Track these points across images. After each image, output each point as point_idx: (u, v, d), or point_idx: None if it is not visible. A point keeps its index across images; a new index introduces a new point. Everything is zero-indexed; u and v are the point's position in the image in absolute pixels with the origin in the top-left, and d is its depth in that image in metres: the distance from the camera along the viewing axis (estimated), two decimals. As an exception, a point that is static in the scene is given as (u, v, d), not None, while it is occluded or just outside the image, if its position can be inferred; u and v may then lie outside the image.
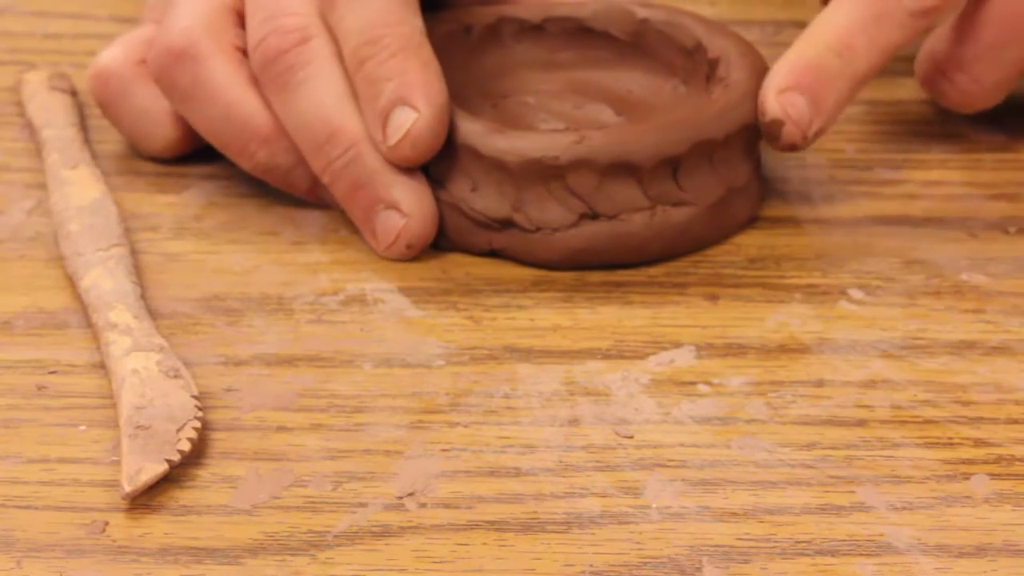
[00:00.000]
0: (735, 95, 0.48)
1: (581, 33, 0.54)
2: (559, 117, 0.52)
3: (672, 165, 0.47)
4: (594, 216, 0.47)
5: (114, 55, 0.52)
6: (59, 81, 0.56)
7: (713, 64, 0.50)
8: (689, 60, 0.51)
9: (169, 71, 0.49)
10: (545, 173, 0.47)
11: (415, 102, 0.46)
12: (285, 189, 0.50)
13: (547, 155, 0.46)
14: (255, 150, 0.49)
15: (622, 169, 0.47)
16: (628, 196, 0.47)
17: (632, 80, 0.53)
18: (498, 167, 0.47)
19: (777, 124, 0.48)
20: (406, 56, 0.47)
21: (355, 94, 0.48)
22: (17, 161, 0.53)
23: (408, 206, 0.47)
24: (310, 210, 0.50)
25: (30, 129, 0.54)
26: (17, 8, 0.64)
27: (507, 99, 0.53)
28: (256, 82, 0.49)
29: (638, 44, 0.53)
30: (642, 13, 0.53)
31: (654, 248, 0.48)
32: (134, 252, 0.48)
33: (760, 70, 0.49)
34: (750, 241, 0.50)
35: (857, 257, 0.49)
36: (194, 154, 0.53)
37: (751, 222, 0.50)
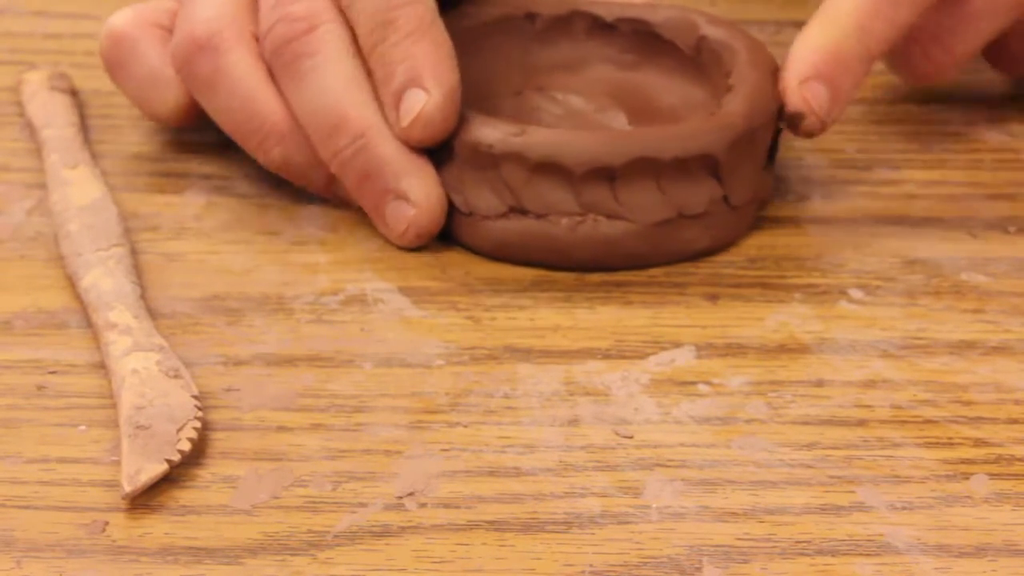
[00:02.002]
0: (709, 124, 0.47)
1: (651, 38, 0.53)
2: (570, 116, 0.52)
3: (608, 176, 0.47)
4: (523, 211, 0.47)
5: (125, 16, 0.51)
6: (59, 81, 0.56)
7: (728, 90, 0.49)
8: (724, 82, 0.51)
9: (190, 61, 0.49)
10: (481, 160, 0.47)
11: (425, 84, 0.47)
12: (302, 185, 0.50)
13: (483, 143, 0.47)
14: (271, 146, 0.49)
15: (552, 169, 0.46)
16: (558, 198, 0.47)
17: (680, 93, 0.53)
18: (447, 148, 0.47)
19: (799, 116, 0.49)
20: (418, 37, 0.47)
21: (369, 78, 0.47)
22: (17, 161, 0.53)
23: (416, 196, 0.47)
24: (310, 210, 0.50)
25: (30, 129, 0.54)
26: (17, 8, 0.64)
27: (540, 91, 0.53)
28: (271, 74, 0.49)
29: (697, 59, 0.52)
30: (704, 30, 0.52)
31: (581, 256, 0.47)
32: (134, 252, 0.48)
33: (759, 112, 0.48)
34: (750, 241, 0.50)
35: (857, 257, 0.49)
36: (194, 155, 0.53)
37: (713, 251, 0.49)
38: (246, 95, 0.48)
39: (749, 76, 0.49)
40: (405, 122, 0.47)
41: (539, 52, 0.54)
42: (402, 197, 0.47)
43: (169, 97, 0.51)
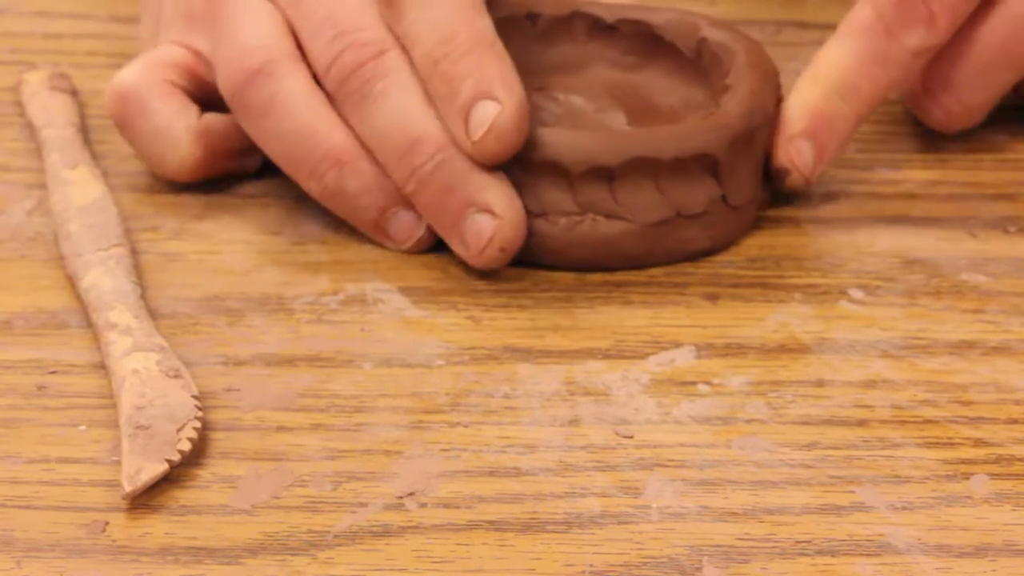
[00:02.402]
0: (707, 123, 0.47)
1: (652, 40, 0.53)
2: (571, 116, 0.52)
3: (606, 176, 0.47)
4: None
5: (132, 72, 0.50)
6: (59, 81, 0.56)
7: (725, 90, 0.49)
8: (722, 83, 0.51)
9: (244, 89, 0.48)
10: None
11: (496, 95, 0.45)
12: (348, 218, 0.49)
13: None
14: (325, 171, 0.48)
15: (550, 169, 0.47)
16: (556, 198, 0.47)
17: (680, 94, 0.52)
18: None
19: (783, 172, 0.50)
20: (481, 52, 0.46)
21: (432, 98, 0.47)
22: (17, 161, 0.53)
23: (500, 208, 0.46)
24: (310, 210, 0.50)
25: (30, 129, 0.54)
26: (17, 8, 0.64)
27: (541, 91, 0.53)
28: (331, 102, 0.48)
29: (698, 61, 0.52)
30: (704, 32, 0.52)
31: (579, 255, 0.47)
32: (134, 252, 0.48)
33: (757, 112, 0.48)
34: (750, 241, 0.50)
35: (857, 257, 0.49)
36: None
37: (712, 252, 0.49)
38: (303, 120, 0.48)
39: (746, 77, 0.49)
40: (477, 135, 0.45)
41: (540, 52, 0.54)
42: (484, 209, 0.46)
43: (177, 154, 0.50)
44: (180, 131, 0.50)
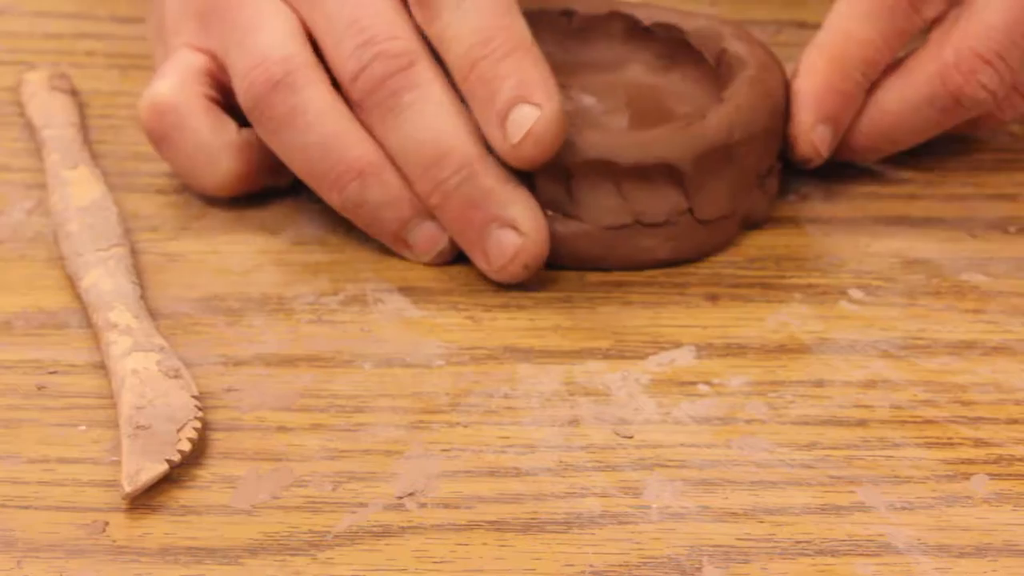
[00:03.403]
0: (676, 134, 0.47)
1: (682, 46, 0.53)
2: (575, 115, 0.52)
3: (564, 174, 0.47)
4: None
5: (167, 86, 0.49)
6: (59, 81, 0.56)
7: (720, 103, 0.49)
8: (722, 95, 0.50)
9: (265, 100, 0.47)
10: None
11: (536, 99, 0.45)
12: (369, 231, 0.48)
13: None
14: (347, 182, 0.47)
15: None
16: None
17: (697, 103, 0.52)
18: None
19: (807, 160, 0.50)
20: (520, 56, 0.46)
21: (467, 100, 0.46)
22: (17, 161, 0.53)
23: (525, 225, 0.46)
24: (310, 210, 0.50)
25: (30, 129, 0.54)
26: (17, 8, 0.64)
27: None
28: (353, 110, 0.47)
29: (717, 71, 0.52)
30: (727, 42, 0.51)
31: None
32: (134, 252, 0.48)
33: (737, 128, 0.48)
34: (750, 241, 0.50)
35: (857, 257, 0.49)
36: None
37: (677, 263, 0.48)
38: (324, 132, 0.47)
39: (742, 93, 0.48)
40: (515, 139, 0.45)
41: (576, 49, 0.54)
42: (509, 225, 0.46)
43: (217, 170, 0.49)
44: (219, 147, 0.49)
